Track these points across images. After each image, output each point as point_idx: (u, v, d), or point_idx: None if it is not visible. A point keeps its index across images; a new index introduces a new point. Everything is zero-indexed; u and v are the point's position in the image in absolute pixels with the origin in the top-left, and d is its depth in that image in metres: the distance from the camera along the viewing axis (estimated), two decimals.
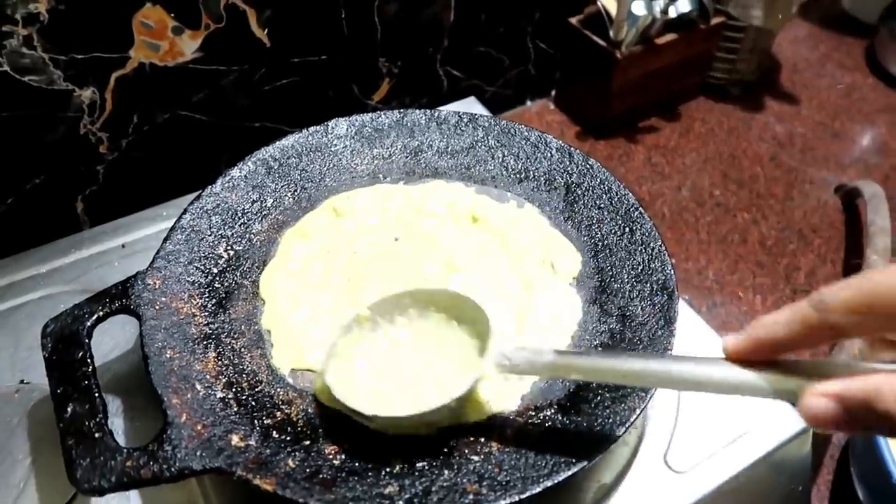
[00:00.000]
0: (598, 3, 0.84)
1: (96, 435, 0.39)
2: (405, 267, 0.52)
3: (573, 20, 0.88)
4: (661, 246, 0.50)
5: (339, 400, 0.41)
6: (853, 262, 0.77)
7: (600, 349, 0.46)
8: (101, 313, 0.44)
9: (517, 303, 0.49)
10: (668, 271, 0.48)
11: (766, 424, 0.48)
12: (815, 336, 0.29)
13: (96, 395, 0.41)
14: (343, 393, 0.41)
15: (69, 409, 0.40)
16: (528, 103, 0.97)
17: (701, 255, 0.79)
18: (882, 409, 0.25)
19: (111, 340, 0.52)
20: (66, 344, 0.43)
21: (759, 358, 0.31)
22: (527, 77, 0.93)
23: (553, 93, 0.97)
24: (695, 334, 0.54)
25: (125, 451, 0.38)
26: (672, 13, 0.83)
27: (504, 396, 0.44)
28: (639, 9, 0.80)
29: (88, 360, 0.42)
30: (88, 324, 0.44)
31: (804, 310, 0.29)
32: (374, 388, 0.42)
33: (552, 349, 0.39)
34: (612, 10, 0.82)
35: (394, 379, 0.43)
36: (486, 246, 0.53)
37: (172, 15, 0.64)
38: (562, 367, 0.38)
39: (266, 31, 0.69)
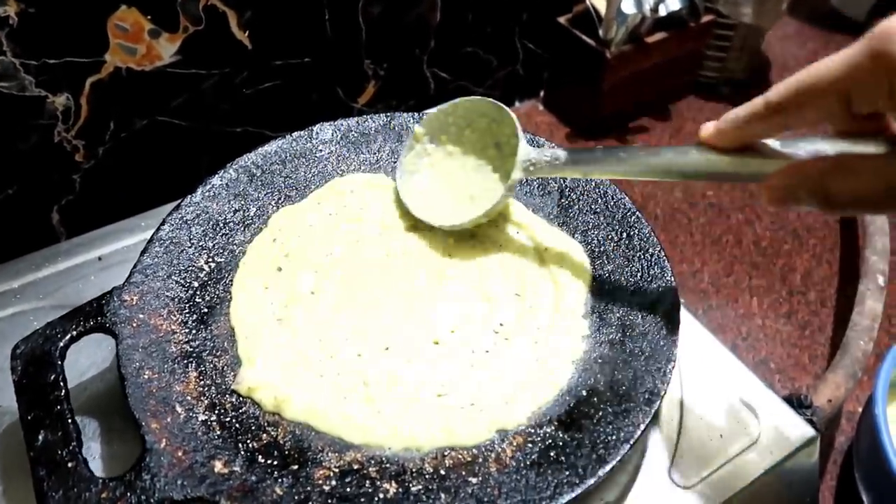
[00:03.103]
0: (587, 1, 0.82)
1: (69, 464, 0.36)
2: (395, 277, 0.50)
3: (562, 19, 0.86)
4: (660, 251, 0.48)
5: (411, 210, 0.53)
6: (849, 262, 0.76)
7: (599, 361, 0.44)
8: (74, 333, 0.42)
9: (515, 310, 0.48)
10: (668, 277, 0.47)
11: (772, 436, 0.46)
12: (768, 124, 0.35)
13: (69, 420, 0.38)
14: (414, 206, 0.53)
15: (40, 437, 0.37)
16: (517, 104, 0.95)
17: (695, 257, 0.77)
18: (811, 187, 0.33)
19: (87, 359, 0.49)
20: (37, 366, 0.40)
21: (727, 144, 0.37)
22: (515, 78, 0.92)
23: (542, 93, 0.96)
24: (693, 338, 0.52)
25: (100, 481, 0.36)
26: (662, 11, 0.82)
27: (505, 413, 0.42)
28: (628, 7, 0.79)
29: (61, 384, 0.40)
30: (61, 344, 0.41)
31: (757, 103, 0.34)
32: (430, 200, 0.53)
33: (565, 150, 0.46)
34: (602, 8, 0.81)
35: (444, 192, 0.53)
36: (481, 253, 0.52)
37: (149, 17, 0.61)
38: (570, 166, 0.46)
39: (247, 33, 0.67)
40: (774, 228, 0.81)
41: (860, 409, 0.63)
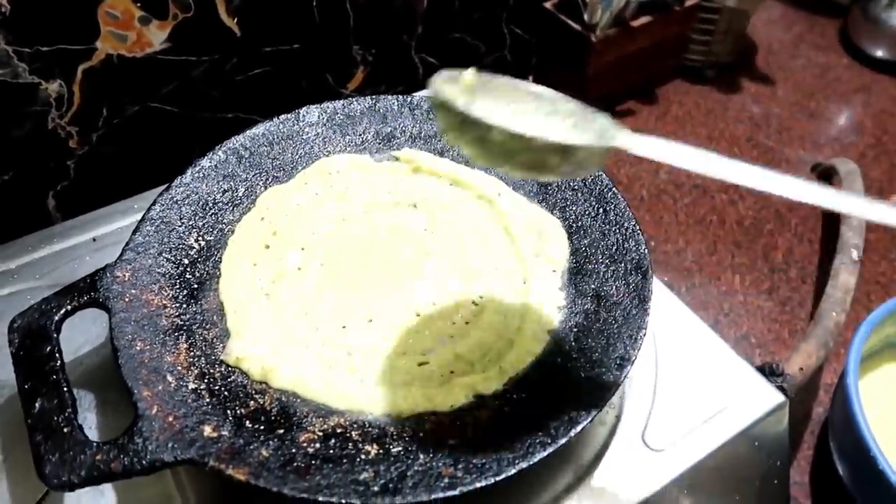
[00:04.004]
0: None
1: (65, 430, 0.38)
2: (378, 254, 0.51)
3: (548, 4, 0.87)
4: (634, 225, 0.50)
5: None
6: (830, 239, 0.78)
7: (574, 330, 0.46)
8: (69, 307, 0.44)
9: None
10: (641, 251, 0.48)
11: (743, 400, 0.48)
12: None
13: (65, 389, 0.40)
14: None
15: (37, 405, 0.39)
16: None
17: (679, 236, 0.79)
18: None
19: (82, 335, 0.51)
20: (33, 339, 0.42)
21: None
22: (503, 63, 0.93)
23: (530, 78, 0.97)
24: (669, 310, 0.54)
25: (95, 444, 0.37)
26: None
27: (484, 378, 0.44)
28: None
29: (57, 355, 0.41)
30: (56, 318, 0.43)
31: None
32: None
33: None
34: None
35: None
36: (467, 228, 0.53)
37: (138, 5, 0.62)
38: None
39: (236, 19, 0.68)
40: (757, 208, 0.82)
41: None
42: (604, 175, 0.53)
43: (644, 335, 0.43)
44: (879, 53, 1.00)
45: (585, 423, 0.39)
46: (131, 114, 0.69)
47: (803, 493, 0.60)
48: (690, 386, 0.49)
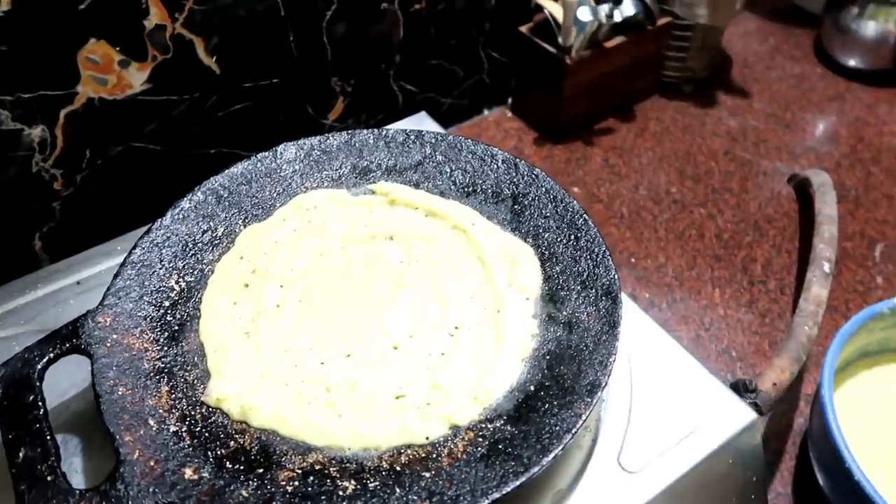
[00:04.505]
0: (546, 10, 0.85)
1: (49, 478, 0.39)
2: (356, 287, 0.52)
3: (523, 28, 0.89)
4: (604, 251, 0.51)
5: None
6: (808, 250, 0.79)
7: (547, 358, 0.47)
8: (51, 355, 0.45)
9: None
10: (611, 276, 0.49)
11: (716, 419, 0.49)
12: None
13: (48, 437, 0.41)
14: None
15: (21, 454, 0.40)
16: (486, 112, 0.98)
17: (659, 252, 0.80)
18: None
19: (67, 379, 0.51)
20: (16, 388, 0.43)
21: None
22: (482, 86, 0.94)
23: (510, 100, 0.98)
24: (642, 331, 0.55)
25: (77, 492, 0.38)
26: (617, 17, 0.85)
27: (458, 410, 0.45)
28: (584, 15, 0.81)
29: (40, 404, 0.42)
30: (39, 366, 0.44)
31: None
32: None
33: None
34: (560, 16, 0.84)
35: None
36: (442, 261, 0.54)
37: (118, 48, 0.64)
38: None
39: (214, 58, 0.70)
40: (736, 221, 0.83)
41: None
42: (575, 202, 0.54)
43: (614, 360, 0.44)
44: (852, 63, 1.02)
45: (557, 450, 0.40)
46: (115, 154, 0.70)
47: None
48: (665, 406, 0.50)
